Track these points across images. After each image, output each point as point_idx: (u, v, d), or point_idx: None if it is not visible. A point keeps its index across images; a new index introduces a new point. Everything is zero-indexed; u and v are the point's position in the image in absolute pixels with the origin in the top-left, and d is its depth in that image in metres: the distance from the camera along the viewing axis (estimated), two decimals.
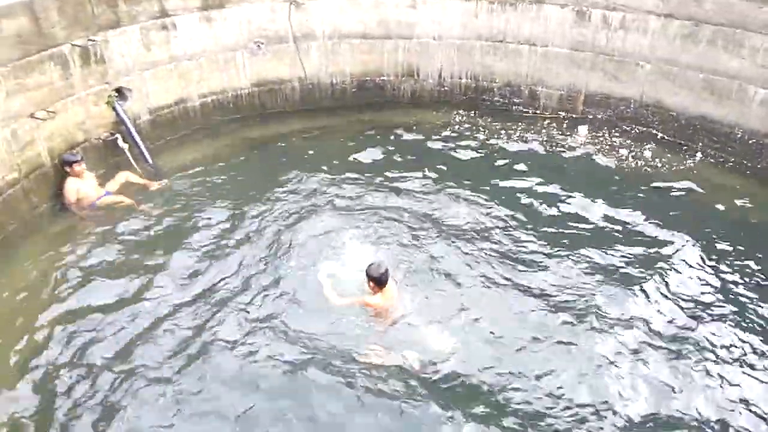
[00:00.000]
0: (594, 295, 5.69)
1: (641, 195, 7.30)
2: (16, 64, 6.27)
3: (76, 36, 6.85)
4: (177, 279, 5.87)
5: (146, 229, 6.58)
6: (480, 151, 8.25)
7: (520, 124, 8.91)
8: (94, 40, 7.00)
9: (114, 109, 7.37)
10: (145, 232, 6.52)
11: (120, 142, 7.37)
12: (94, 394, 4.75)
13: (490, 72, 9.13)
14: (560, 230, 6.64)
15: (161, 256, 6.17)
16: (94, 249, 6.27)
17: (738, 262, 6.16)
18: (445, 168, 7.79)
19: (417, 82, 9.39)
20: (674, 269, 6.02)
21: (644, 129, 8.48)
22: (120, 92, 7.51)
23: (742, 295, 5.75)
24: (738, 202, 7.14)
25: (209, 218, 6.73)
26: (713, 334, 5.31)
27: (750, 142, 7.68)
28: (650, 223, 6.74)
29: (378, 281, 5.18)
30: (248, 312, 5.48)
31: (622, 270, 6.04)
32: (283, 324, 5.33)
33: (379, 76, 9.31)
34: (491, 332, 5.28)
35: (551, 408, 4.68)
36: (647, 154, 8.11)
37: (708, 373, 4.96)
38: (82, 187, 6.81)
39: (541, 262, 6.15)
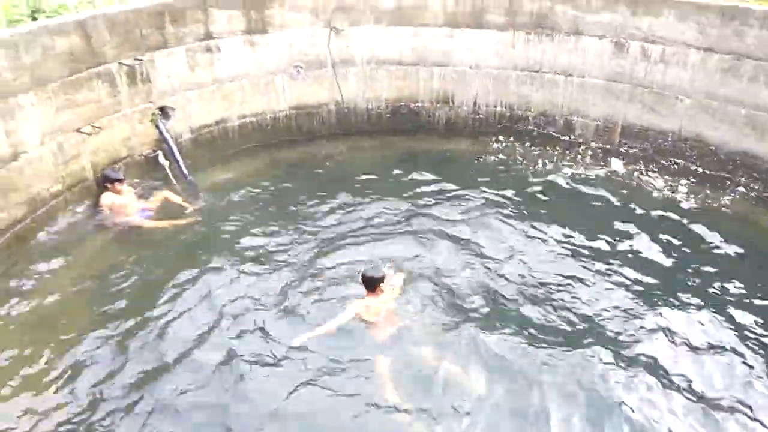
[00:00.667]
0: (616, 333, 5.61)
1: (675, 229, 7.13)
2: (66, 80, 6.53)
3: (125, 55, 7.11)
4: (203, 296, 5.93)
5: (179, 242, 6.71)
6: (511, 179, 8.23)
7: (554, 153, 8.88)
8: (141, 60, 7.25)
9: (157, 127, 7.60)
10: (177, 246, 6.66)
11: (161, 158, 7.57)
12: (116, 415, 4.80)
13: (526, 101, 9.15)
14: (590, 260, 6.56)
15: (190, 270, 6.25)
16: (129, 260, 6.42)
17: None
18: (475, 194, 7.79)
19: (452, 109, 9.46)
20: (703, 304, 5.91)
21: (682, 163, 8.34)
22: (163, 111, 7.73)
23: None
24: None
25: (240, 237, 6.83)
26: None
27: None
28: (682, 258, 6.61)
29: (366, 283, 5.37)
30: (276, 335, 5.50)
31: (647, 307, 5.92)
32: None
33: (414, 102, 9.42)
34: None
35: None
36: (684, 187, 7.98)
37: None
38: (117, 200, 6.98)
39: (568, 285, 6.13)
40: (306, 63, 8.75)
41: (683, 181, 8.11)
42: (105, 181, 6.97)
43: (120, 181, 6.96)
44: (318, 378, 5.02)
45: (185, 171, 7.68)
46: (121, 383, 4.97)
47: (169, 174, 7.60)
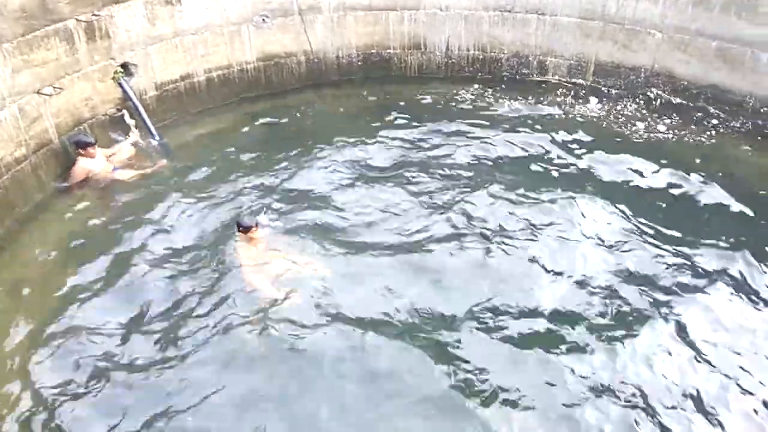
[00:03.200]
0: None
1: (652, 165, 7.14)
2: (21, 40, 6.23)
3: (81, 11, 6.80)
4: (170, 254, 5.88)
5: (150, 202, 6.56)
6: (487, 122, 8.14)
7: (528, 95, 8.81)
8: (98, 15, 6.95)
9: (120, 84, 7.35)
10: (148, 206, 6.50)
11: (126, 118, 7.36)
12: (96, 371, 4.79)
13: (499, 43, 9.01)
14: (561, 197, 6.57)
15: (162, 229, 6.18)
16: (100, 224, 6.29)
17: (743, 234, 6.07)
18: (452, 140, 7.71)
19: (424, 55, 9.29)
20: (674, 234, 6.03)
21: (657, 99, 8.35)
22: (126, 68, 7.47)
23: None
24: (748, 173, 7.02)
25: (211, 193, 6.72)
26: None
27: (762, 110, 7.56)
28: (658, 193, 6.68)
29: (240, 228, 5.66)
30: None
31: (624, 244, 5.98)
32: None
33: (386, 49, 9.22)
34: None
35: None
36: (660, 124, 8.00)
37: None
38: (93, 167, 6.80)
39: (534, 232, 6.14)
40: (271, 11, 8.46)
41: (659, 117, 8.13)
42: (78, 147, 6.73)
43: (92, 145, 6.72)
44: None
45: (153, 129, 7.49)
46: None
47: (137, 134, 7.42)
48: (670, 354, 4.80)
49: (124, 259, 5.79)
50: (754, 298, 5.32)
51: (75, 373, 4.73)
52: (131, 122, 7.36)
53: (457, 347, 4.88)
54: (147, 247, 5.93)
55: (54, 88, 6.67)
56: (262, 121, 8.31)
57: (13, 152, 6.29)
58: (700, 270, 5.61)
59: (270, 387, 4.64)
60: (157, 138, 7.51)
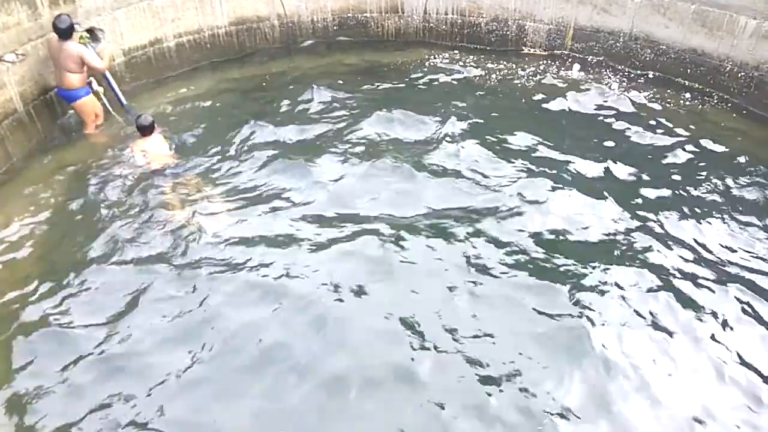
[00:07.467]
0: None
1: (631, 132, 7.13)
2: None
3: None
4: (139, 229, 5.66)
5: (121, 176, 6.29)
6: (466, 88, 8.04)
7: (508, 60, 8.72)
8: None
9: None
10: (120, 180, 6.24)
11: (94, 85, 7.10)
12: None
13: (477, 7, 8.84)
14: (539, 175, 6.40)
15: (133, 202, 5.97)
16: (68, 200, 6.04)
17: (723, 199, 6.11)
18: (428, 105, 7.58)
19: (401, 19, 9.10)
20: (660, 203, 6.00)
21: (636, 64, 8.33)
22: (92, 33, 7.17)
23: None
24: (725, 138, 7.03)
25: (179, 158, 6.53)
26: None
27: (739, 75, 7.56)
28: (637, 160, 6.64)
29: (140, 129, 6.27)
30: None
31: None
32: None
33: (362, 13, 9.01)
34: None
35: None
36: (637, 89, 8.00)
37: None
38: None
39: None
40: None
41: (639, 81, 8.14)
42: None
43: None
44: None
45: (121, 97, 7.24)
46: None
47: (105, 101, 7.18)
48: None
49: (89, 230, 5.61)
50: None
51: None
52: (99, 89, 7.08)
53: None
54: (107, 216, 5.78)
55: (17, 54, 6.41)
56: (233, 88, 8.06)
57: None
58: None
59: None
60: (125, 105, 7.29)
